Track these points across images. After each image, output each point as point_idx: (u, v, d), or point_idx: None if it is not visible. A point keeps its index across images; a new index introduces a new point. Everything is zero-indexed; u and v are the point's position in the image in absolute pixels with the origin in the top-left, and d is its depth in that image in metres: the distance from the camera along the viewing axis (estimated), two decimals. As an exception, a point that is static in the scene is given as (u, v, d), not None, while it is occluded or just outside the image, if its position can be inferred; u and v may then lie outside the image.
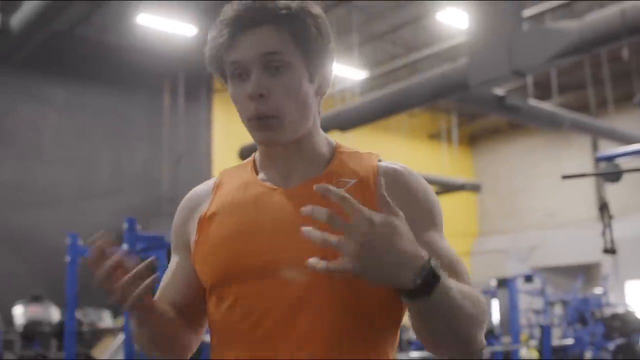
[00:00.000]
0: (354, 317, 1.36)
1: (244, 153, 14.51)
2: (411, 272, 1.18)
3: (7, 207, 12.71)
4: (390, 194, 1.31)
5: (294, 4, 1.42)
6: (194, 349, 1.59)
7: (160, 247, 5.68)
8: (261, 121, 1.40)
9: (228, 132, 15.56)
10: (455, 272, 1.37)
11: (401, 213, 1.22)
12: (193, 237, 1.51)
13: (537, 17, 11.22)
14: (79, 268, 6.35)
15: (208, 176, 15.11)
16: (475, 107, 12.67)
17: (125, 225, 5.02)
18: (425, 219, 1.44)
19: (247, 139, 14.40)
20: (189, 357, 1.58)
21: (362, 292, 1.36)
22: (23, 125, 13.22)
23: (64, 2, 8.53)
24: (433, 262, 1.20)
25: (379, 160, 1.49)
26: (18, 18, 8.91)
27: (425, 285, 1.19)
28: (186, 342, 1.55)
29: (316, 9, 1.45)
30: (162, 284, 1.58)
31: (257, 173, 1.53)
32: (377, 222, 1.17)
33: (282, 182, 1.47)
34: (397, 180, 1.45)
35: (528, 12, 10.59)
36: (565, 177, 3.99)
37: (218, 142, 15.68)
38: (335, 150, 1.51)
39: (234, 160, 14.66)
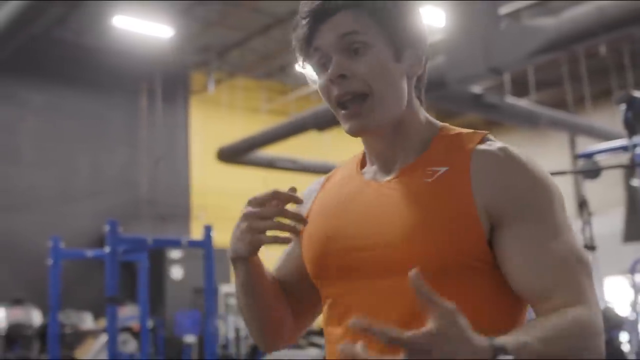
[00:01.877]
0: None
1: (223, 155, 14.49)
2: None
3: (-14, 211, 12.63)
4: (482, 181, 1.27)
5: None
6: (288, 336, 1.55)
7: (142, 249, 5.69)
8: (349, 107, 1.35)
9: (206, 134, 15.55)
10: (562, 278, 1.23)
11: (451, 308, 1.02)
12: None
13: (514, 15, 11.29)
14: (60, 271, 6.34)
15: (186, 178, 15.12)
16: (453, 105, 12.71)
17: (107, 227, 5.00)
18: (526, 211, 1.27)
19: (225, 139, 14.41)
20: (279, 341, 1.54)
21: (451, 290, 1.20)
22: (0, 129, 13.13)
23: (40, 4, 8.48)
24: (498, 344, 1.05)
25: (482, 141, 1.36)
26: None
27: None
28: (281, 320, 1.51)
29: None
30: (277, 263, 1.58)
31: (364, 164, 1.48)
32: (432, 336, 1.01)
33: (381, 174, 1.41)
34: (490, 167, 1.30)
35: (504, 9, 10.65)
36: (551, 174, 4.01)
37: (196, 143, 15.64)
38: (437, 133, 1.42)
39: (212, 162, 14.66)
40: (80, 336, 9.87)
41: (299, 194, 1.55)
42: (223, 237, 13.12)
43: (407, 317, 1.24)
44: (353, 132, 1.37)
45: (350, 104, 1.34)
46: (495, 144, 1.35)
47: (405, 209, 1.31)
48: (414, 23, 1.40)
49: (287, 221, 1.36)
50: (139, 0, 11.67)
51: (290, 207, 1.48)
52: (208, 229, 5.85)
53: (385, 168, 1.41)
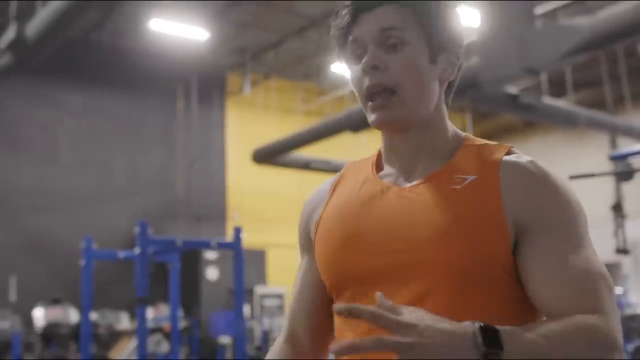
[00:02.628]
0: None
1: (258, 156, 14.54)
2: (465, 352, 1.08)
3: (26, 212, 12.81)
4: (511, 193, 1.27)
5: None
6: None
7: (172, 250, 5.72)
8: (377, 99, 1.34)
9: (241, 135, 15.62)
10: (582, 291, 1.22)
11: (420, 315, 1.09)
12: (313, 236, 1.47)
13: (550, 15, 11.16)
14: (94, 271, 6.41)
15: (222, 179, 15.21)
16: (489, 106, 12.61)
17: (137, 229, 5.05)
18: (550, 226, 1.27)
19: (261, 140, 14.46)
20: None
21: (474, 298, 1.25)
22: (39, 131, 13.33)
23: (77, 9, 8.57)
24: (489, 326, 1.10)
25: (507, 153, 1.37)
26: (33, 26, 8.97)
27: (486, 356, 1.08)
28: None
29: None
30: (296, 286, 1.55)
31: (379, 167, 1.46)
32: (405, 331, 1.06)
33: (403, 177, 1.40)
34: (520, 179, 1.31)
35: (540, 9, 10.54)
36: (572, 177, 3.98)
37: (231, 144, 15.72)
38: (462, 143, 1.41)
39: (248, 163, 14.72)
40: (115, 336, 9.99)
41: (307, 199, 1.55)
42: (258, 238, 13.26)
43: None
44: (377, 124, 1.37)
45: (378, 97, 1.34)
46: (522, 156, 1.36)
47: (433, 214, 1.29)
48: (453, 28, 1.40)
49: None
50: (175, 2, 11.77)
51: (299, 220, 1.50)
52: (238, 231, 5.86)
53: (407, 172, 1.40)
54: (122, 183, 14.08)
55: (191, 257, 12.61)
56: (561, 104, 12.78)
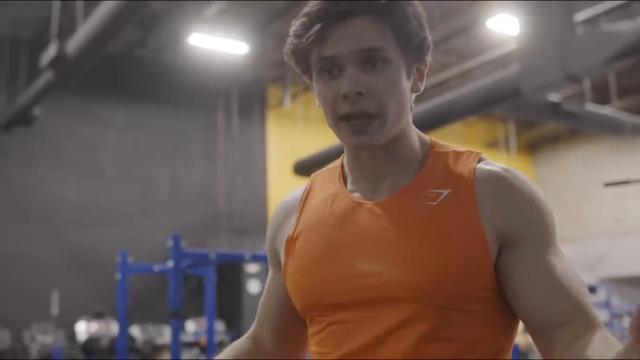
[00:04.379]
0: (448, 349, 1.20)
1: (299, 168, 14.56)
2: None
3: (69, 227, 12.99)
4: (490, 205, 1.22)
5: None
6: None
7: (206, 264, 5.71)
8: (359, 122, 1.24)
9: (282, 148, 15.66)
10: (573, 302, 1.18)
11: None
12: (282, 255, 1.38)
13: (592, 21, 11.01)
14: (136, 285, 6.45)
15: (264, 192, 15.25)
16: (531, 115, 12.46)
17: (170, 242, 5.05)
18: (534, 235, 1.23)
19: (301, 153, 14.48)
20: None
21: (456, 321, 1.20)
22: (83, 147, 13.53)
23: (117, 26, 8.67)
24: None
25: (478, 161, 1.30)
26: (74, 43, 9.10)
27: None
28: None
29: None
30: (261, 301, 1.49)
31: (345, 177, 1.37)
32: None
33: (371, 192, 1.31)
34: (499, 188, 1.25)
35: (582, 15, 10.40)
36: (607, 184, 3.88)
37: (273, 157, 15.76)
38: (429, 151, 1.33)
39: (289, 176, 14.74)
40: (157, 349, 10.03)
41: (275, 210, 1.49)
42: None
43: (414, 345, 1.19)
44: (358, 146, 1.29)
45: (358, 120, 1.24)
46: (495, 164, 1.29)
47: (407, 233, 1.23)
48: (425, 37, 1.31)
49: None
50: (215, 17, 11.87)
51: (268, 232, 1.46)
52: (273, 243, 5.83)
53: (375, 185, 1.32)
54: (164, 197, 14.20)
55: (232, 270, 12.64)
56: (606, 111, 12.59)
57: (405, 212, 1.25)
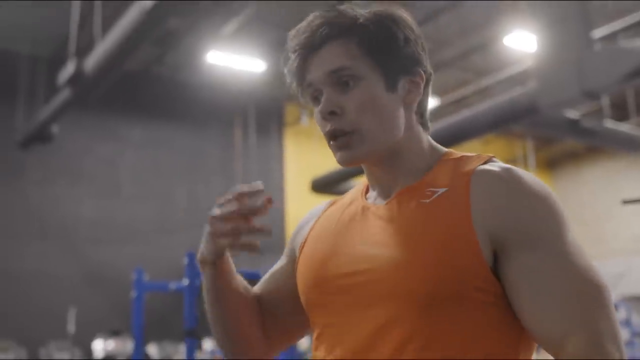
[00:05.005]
0: (441, 348, 1.18)
1: (316, 185, 14.55)
2: None
3: (87, 244, 13.04)
4: (483, 205, 1.20)
5: (360, 13, 1.33)
6: (255, 353, 1.48)
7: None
8: (339, 139, 1.30)
9: (300, 165, 15.67)
10: (572, 311, 1.15)
11: None
12: (297, 256, 1.45)
13: (610, 37, 10.97)
14: (153, 303, 6.44)
15: (281, 209, 15.24)
16: (549, 131, 12.41)
17: (185, 260, 5.03)
18: (532, 240, 1.19)
19: (319, 170, 14.48)
20: (246, 354, 1.47)
21: (444, 321, 1.18)
22: (101, 164, 13.59)
23: (135, 44, 8.74)
24: None
25: (485, 163, 1.30)
26: (91, 60, 9.17)
27: None
28: (249, 334, 1.46)
29: (391, 12, 1.35)
30: (263, 278, 1.54)
31: (368, 191, 1.43)
32: None
33: (380, 198, 1.36)
34: (491, 187, 1.23)
35: (601, 32, 10.36)
36: (625, 202, 3.84)
37: (290, 175, 15.78)
38: (440, 158, 1.36)
39: (307, 193, 14.73)
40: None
41: (302, 219, 1.54)
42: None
43: (399, 346, 1.18)
44: (342, 163, 1.33)
45: (340, 138, 1.30)
46: (498, 164, 1.29)
47: (398, 231, 1.24)
48: (408, 50, 1.33)
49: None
50: (232, 35, 11.93)
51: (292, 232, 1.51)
52: (287, 261, 5.82)
53: (385, 193, 1.35)
54: (182, 214, 14.23)
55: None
56: (624, 127, 12.50)
57: (400, 211, 1.26)
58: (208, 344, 11.03)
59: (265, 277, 1.54)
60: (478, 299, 1.18)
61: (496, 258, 1.19)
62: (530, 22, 9.46)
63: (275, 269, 1.54)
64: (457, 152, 1.37)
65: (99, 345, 10.04)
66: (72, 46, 9.73)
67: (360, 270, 1.25)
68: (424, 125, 1.39)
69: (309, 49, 1.32)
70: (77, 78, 9.42)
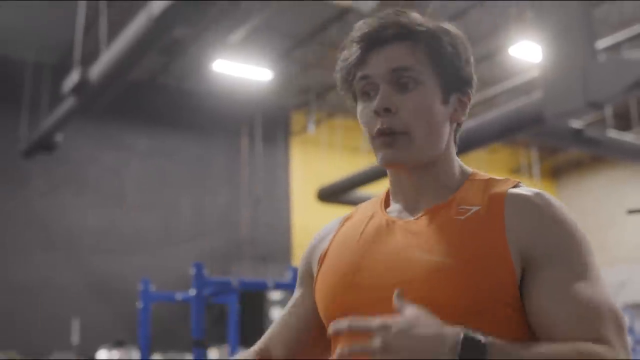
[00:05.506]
0: None
1: (323, 194, 14.55)
2: (444, 353, 1.08)
3: (92, 254, 13.03)
4: (516, 225, 1.24)
5: (429, 22, 1.38)
6: None
7: (228, 291, 5.72)
8: (388, 137, 1.33)
9: (306, 174, 15.66)
10: (588, 322, 1.17)
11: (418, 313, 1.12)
12: (315, 270, 1.46)
13: (614, 48, 11.00)
14: (159, 313, 6.47)
15: (287, 219, 15.25)
16: (554, 141, 12.42)
17: (192, 270, 5.07)
18: (556, 257, 1.23)
19: (325, 179, 14.49)
20: None
21: (481, 331, 1.18)
22: (106, 173, 13.59)
23: (140, 53, 8.75)
24: (474, 337, 1.09)
25: (514, 187, 1.33)
26: (97, 69, 9.18)
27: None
28: None
29: (456, 29, 1.40)
30: (283, 312, 1.55)
31: (388, 204, 1.45)
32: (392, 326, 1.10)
33: (408, 212, 1.38)
34: (524, 210, 1.27)
35: (604, 42, 10.39)
36: (630, 211, 3.88)
37: (296, 184, 15.77)
38: (468, 178, 1.39)
39: (313, 202, 14.73)
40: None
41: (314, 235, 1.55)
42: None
43: None
44: (385, 162, 1.36)
45: (388, 136, 1.33)
46: (529, 189, 1.32)
47: (432, 248, 1.27)
48: (466, 68, 1.39)
49: None
50: (238, 43, 11.96)
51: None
52: (295, 271, 5.85)
53: (411, 207, 1.38)
54: (187, 224, 14.23)
55: (255, 298, 12.61)
56: (627, 137, 12.52)
57: (431, 227, 1.29)
58: (214, 354, 11.02)
59: (284, 314, 1.55)
60: (507, 314, 1.23)
61: (523, 273, 1.23)
62: (536, 32, 9.49)
63: (292, 303, 1.54)
64: (483, 173, 1.41)
65: (103, 356, 10.02)
66: (77, 54, 9.73)
67: (394, 283, 1.26)
68: (456, 144, 1.45)
69: (374, 43, 1.35)
70: (82, 86, 9.41)
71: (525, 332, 1.23)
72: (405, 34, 1.34)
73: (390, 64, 1.33)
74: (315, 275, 1.46)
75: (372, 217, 1.43)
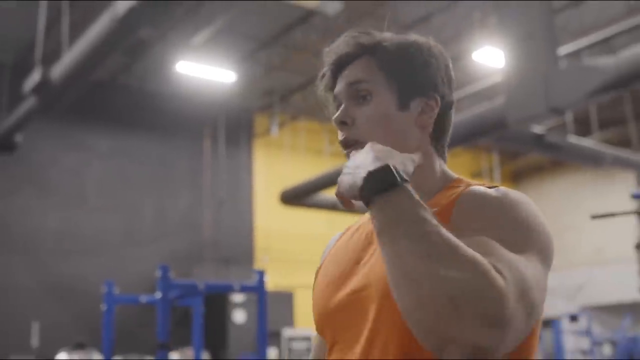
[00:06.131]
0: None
1: (286, 197, 14.55)
2: (365, 175, 1.12)
3: (52, 256, 12.88)
4: (461, 218, 1.22)
5: (386, 36, 1.43)
6: None
7: (194, 294, 5.69)
8: (350, 149, 1.37)
9: (269, 176, 15.65)
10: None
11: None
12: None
13: (574, 55, 11.16)
14: (119, 315, 6.42)
15: (250, 221, 15.23)
16: (515, 146, 12.57)
17: (158, 273, 5.04)
18: (492, 228, 1.17)
19: (288, 182, 14.49)
20: None
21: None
22: (67, 174, 13.45)
23: (103, 53, 8.67)
24: (395, 168, 1.11)
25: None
26: (58, 69, 9.07)
27: (370, 189, 1.10)
28: None
29: (417, 38, 1.43)
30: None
31: None
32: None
33: None
34: (471, 204, 1.26)
35: (565, 49, 10.52)
36: (594, 217, 3.94)
37: (259, 186, 15.75)
38: (449, 184, 1.38)
39: (276, 205, 14.73)
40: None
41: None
42: (286, 280, 13.17)
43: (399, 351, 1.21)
44: None
45: (351, 149, 1.37)
46: (493, 187, 1.29)
47: None
48: (424, 72, 1.40)
49: None
50: (202, 45, 11.91)
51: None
52: (261, 274, 5.84)
53: None
54: (149, 226, 14.14)
55: (218, 300, 12.58)
56: (587, 143, 12.72)
57: None
58: (175, 356, 10.98)
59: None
60: None
61: None
62: (499, 38, 9.59)
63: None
64: (468, 180, 1.40)
65: (62, 358, 9.89)
66: (38, 53, 9.61)
67: (363, 286, 1.31)
68: (439, 150, 1.43)
69: (339, 65, 1.43)
70: (43, 86, 9.28)
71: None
72: (361, 51, 1.41)
73: (347, 80, 1.41)
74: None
75: (358, 228, 1.47)
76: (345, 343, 1.31)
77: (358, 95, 1.39)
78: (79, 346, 9.94)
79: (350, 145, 1.37)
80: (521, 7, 8.98)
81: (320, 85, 1.48)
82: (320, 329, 1.43)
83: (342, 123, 1.38)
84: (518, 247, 1.14)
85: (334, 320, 1.36)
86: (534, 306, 1.07)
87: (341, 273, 1.39)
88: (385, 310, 1.24)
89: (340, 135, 1.39)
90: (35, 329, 11.67)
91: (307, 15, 11.61)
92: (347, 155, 1.37)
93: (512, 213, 1.21)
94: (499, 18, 9.44)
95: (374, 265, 1.31)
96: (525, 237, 1.19)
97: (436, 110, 1.40)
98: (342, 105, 1.40)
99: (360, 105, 1.38)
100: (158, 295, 5.02)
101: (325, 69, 1.46)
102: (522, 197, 1.26)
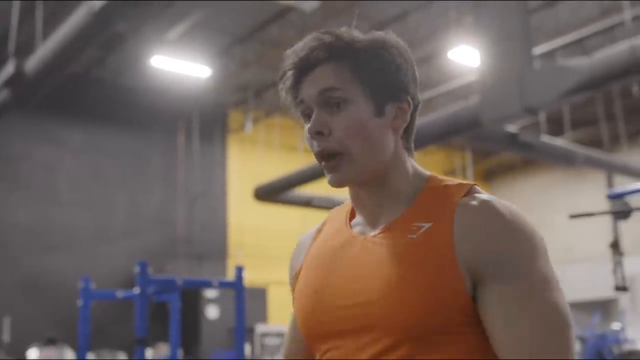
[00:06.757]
0: None
1: (260, 193, 14.54)
2: None
3: (23, 251, 12.76)
4: (464, 237, 1.24)
5: (357, 38, 1.37)
6: None
7: (172, 290, 5.68)
8: (327, 162, 1.34)
9: (243, 172, 15.63)
10: (539, 345, 1.19)
11: None
12: (295, 282, 1.49)
13: (548, 55, 11.26)
14: (93, 311, 6.38)
15: (223, 217, 15.19)
16: (489, 145, 12.66)
17: (137, 268, 5.02)
18: (505, 270, 1.23)
19: (262, 178, 14.48)
20: None
21: (434, 352, 1.24)
22: (39, 169, 13.33)
23: (77, 46, 8.60)
24: None
25: (468, 192, 1.33)
26: (32, 62, 8.99)
27: None
28: None
29: (387, 38, 1.38)
30: (286, 333, 1.60)
31: (354, 214, 1.44)
32: None
33: (369, 226, 1.38)
34: (474, 222, 1.26)
35: (539, 49, 10.62)
36: (572, 216, 3.99)
37: (233, 182, 15.72)
38: (424, 185, 1.37)
39: (250, 201, 14.71)
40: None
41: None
42: (260, 276, 13.16)
43: None
44: (332, 185, 1.37)
45: (328, 159, 1.34)
46: (480, 197, 1.31)
47: (387, 265, 1.28)
48: (397, 76, 1.37)
49: None
50: (177, 39, 11.86)
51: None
52: (239, 270, 5.84)
53: (372, 220, 1.38)
54: (122, 221, 14.06)
55: (191, 296, 12.54)
56: (559, 142, 12.86)
57: (388, 245, 1.29)
58: (148, 352, 10.96)
59: (288, 332, 1.60)
60: (464, 329, 1.24)
61: (475, 288, 1.24)
62: (475, 37, 9.65)
63: (291, 319, 1.57)
64: (440, 177, 1.40)
65: (34, 354, 9.80)
66: (11, 45, 9.52)
67: (356, 302, 1.29)
68: (408, 150, 1.42)
69: (303, 69, 1.36)
70: (16, 79, 9.19)
71: (487, 354, 1.25)
72: (329, 55, 1.35)
73: (317, 87, 1.34)
74: (293, 290, 1.49)
75: (338, 231, 1.44)
76: (348, 348, 1.30)
77: (331, 102, 1.33)
78: (50, 342, 9.86)
79: (329, 156, 1.34)
80: (497, 7, 9.05)
81: (281, 86, 1.41)
82: (310, 336, 1.40)
83: (319, 133, 1.34)
84: (537, 276, 1.25)
85: (330, 328, 1.33)
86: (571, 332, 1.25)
87: (328, 278, 1.37)
88: (386, 313, 1.25)
89: (316, 146, 1.34)
90: (6, 324, 11.56)
91: (284, 11, 11.61)
92: (325, 168, 1.35)
93: (516, 237, 1.26)
94: (475, 17, 9.50)
95: (363, 265, 1.32)
96: (536, 257, 1.26)
97: (409, 113, 1.39)
98: (315, 114, 1.34)
99: (334, 113, 1.33)
100: (136, 290, 5.00)
101: (287, 69, 1.38)
102: (512, 210, 1.29)
